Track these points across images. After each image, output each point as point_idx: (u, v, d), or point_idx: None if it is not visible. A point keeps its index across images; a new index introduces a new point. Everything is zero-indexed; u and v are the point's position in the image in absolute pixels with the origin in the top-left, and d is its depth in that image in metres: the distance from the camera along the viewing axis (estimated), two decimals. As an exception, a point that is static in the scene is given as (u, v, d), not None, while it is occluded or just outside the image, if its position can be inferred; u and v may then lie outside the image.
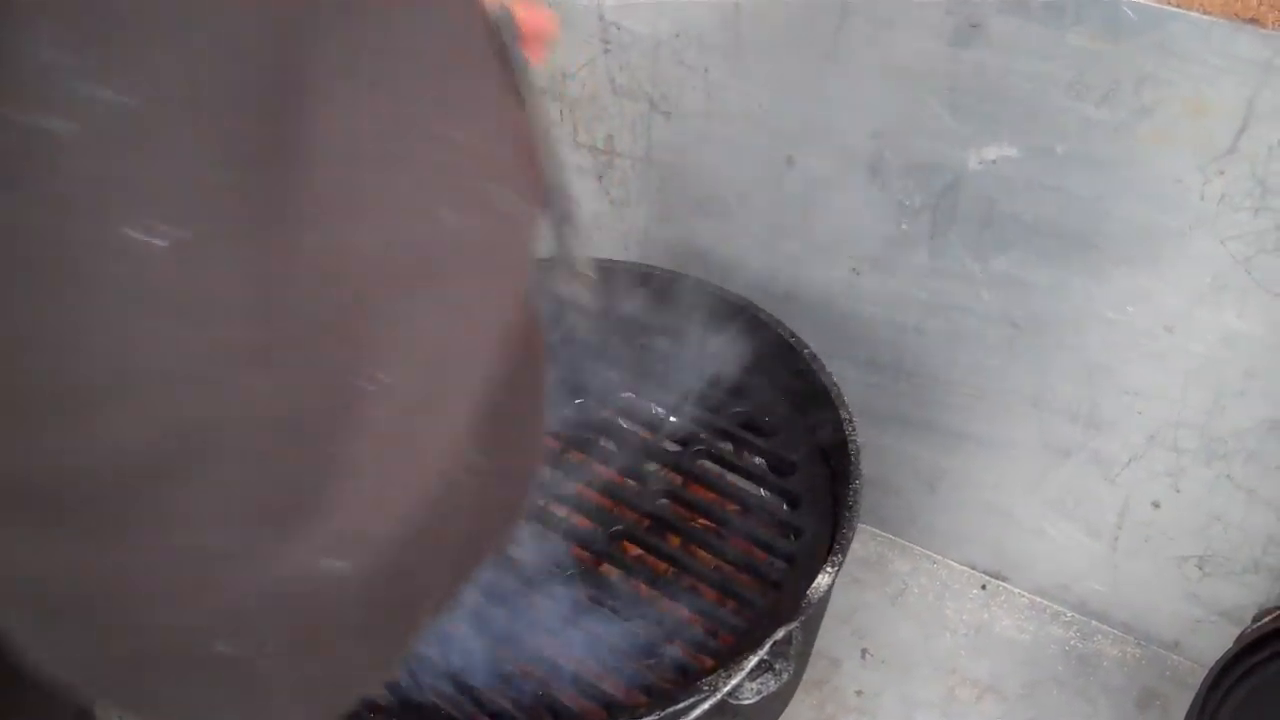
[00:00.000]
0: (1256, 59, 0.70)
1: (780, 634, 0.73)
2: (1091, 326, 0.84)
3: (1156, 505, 0.88)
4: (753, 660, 0.72)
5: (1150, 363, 0.83)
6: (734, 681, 0.72)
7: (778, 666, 0.73)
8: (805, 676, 0.91)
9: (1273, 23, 0.70)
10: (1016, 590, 0.98)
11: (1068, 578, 0.96)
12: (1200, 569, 0.89)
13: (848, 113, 0.86)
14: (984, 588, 0.99)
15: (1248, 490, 0.84)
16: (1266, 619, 0.81)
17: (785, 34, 0.86)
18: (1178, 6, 0.71)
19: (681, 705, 0.71)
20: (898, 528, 1.02)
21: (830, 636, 0.94)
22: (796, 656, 0.74)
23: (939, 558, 1.01)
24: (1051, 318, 0.85)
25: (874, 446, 0.93)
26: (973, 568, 1.00)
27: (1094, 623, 0.96)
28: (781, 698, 0.83)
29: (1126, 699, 0.91)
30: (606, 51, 0.94)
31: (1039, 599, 0.98)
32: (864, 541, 1.01)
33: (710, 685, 0.72)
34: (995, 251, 0.85)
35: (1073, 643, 0.95)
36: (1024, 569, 0.98)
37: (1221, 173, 0.74)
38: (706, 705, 0.71)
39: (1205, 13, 0.71)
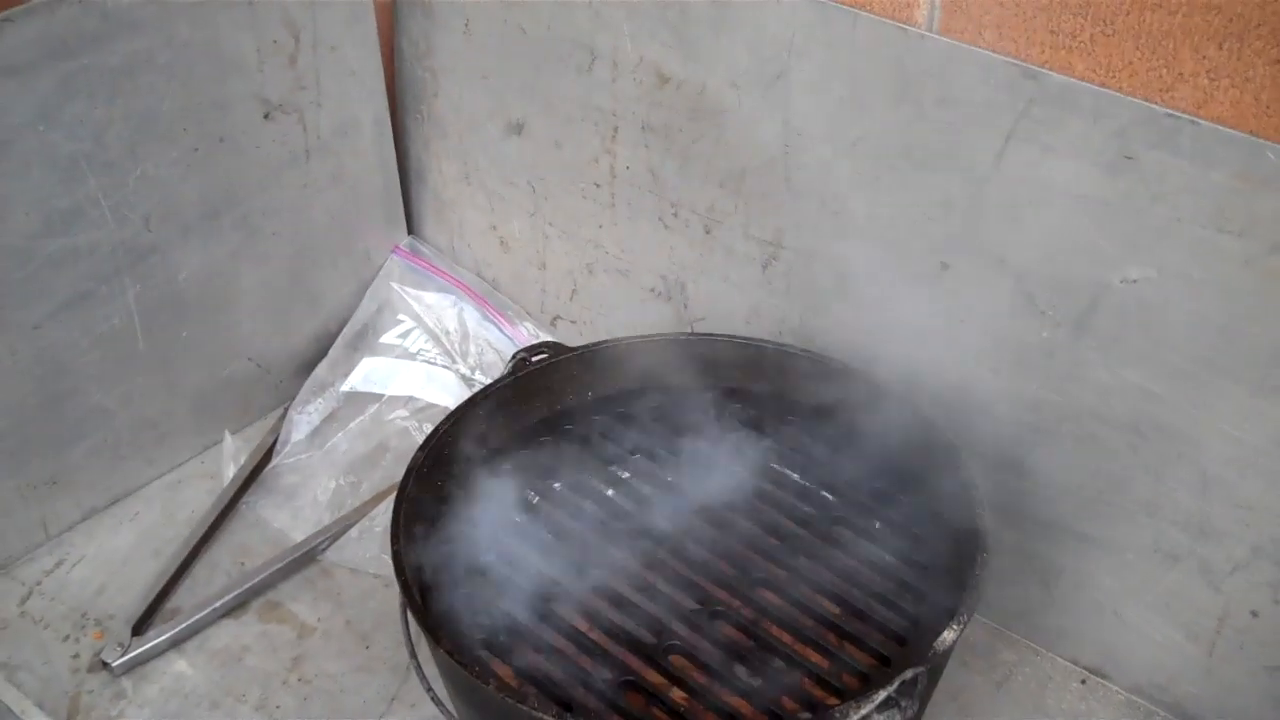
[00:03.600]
0: (1383, 207, 0.79)
1: (909, 674, 0.81)
2: (1212, 440, 0.92)
3: (1255, 614, 0.95)
4: (882, 695, 0.80)
5: (1263, 478, 0.91)
6: (863, 711, 0.80)
7: (904, 704, 0.81)
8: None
9: (1402, 176, 0.79)
10: (1115, 688, 1.05)
11: (1165, 678, 1.02)
12: (1292, 679, 0.95)
13: (1003, 226, 0.95)
14: (1084, 682, 1.05)
15: (1344, 606, 0.91)
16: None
17: (953, 152, 0.96)
18: (1316, 155, 0.81)
19: (815, 728, 0.79)
20: (1008, 620, 1.09)
21: (937, 710, 1.01)
22: (919, 698, 0.82)
23: (1044, 651, 1.08)
24: (1174, 429, 0.93)
25: (996, 541, 1.00)
26: (1075, 663, 1.07)
27: (1186, 724, 1.02)
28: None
29: (1212, 797, 0.97)
30: (787, 154, 1.05)
31: (1135, 697, 1.04)
32: (975, 630, 1.08)
33: (842, 713, 0.80)
34: (1128, 364, 0.93)
35: (1165, 740, 1.01)
36: (1124, 667, 1.04)
37: (1345, 307, 0.83)
38: (837, 730, 0.79)
39: (1340, 163, 0.80)
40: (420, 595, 0.91)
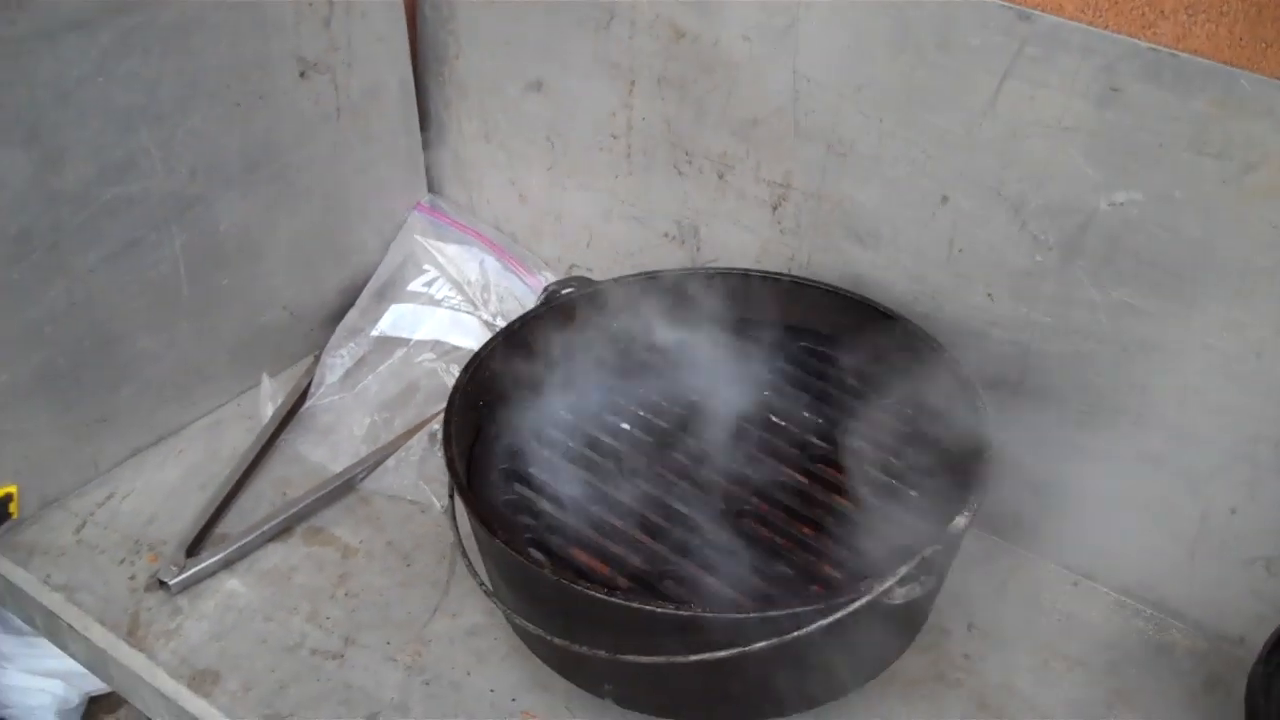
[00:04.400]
0: (1346, 125, 0.88)
1: (928, 551, 0.89)
2: (1191, 352, 1.01)
3: (1233, 511, 1.04)
4: (904, 570, 0.89)
5: (1237, 384, 1.00)
6: (888, 583, 0.88)
7: (923, 579, 0.89)
8: (918, 641, 1.07)
9: (1362, 97, 0.88)
10: (1104, 589, 1.14)
11: (1151, 577, 1.11)
12: (1267, 570, 1.04)
13: (998, 160, 1.04)
14: (1076, 585, 1.14)
15: (1314, 497, 1.00)
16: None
17: (952, 92, 1.05)
18: (1285, 80, 0.90)
19: (846, 598, 0.88)
20: (1005, 530, 1.17)
21: (942, 611, 1.09)
22: (936, 576, 0.91)
23: (1038, 558, 1.16)
24: (1157, 343, 1.02)
25: (995, 456, 1.08)
26: (1067, 567, 1.15)
27: (1169, 619, 1.11)
28: (911, 615, 1.00)
29: (1195, 681, 1.06)
30: (796, 100, 1.14)
31: (1124, 597, 1.13)
32: (975, 541, 1.16)
33: (867, 587, 0.88)
34: (1115, 283, 1.02)
35: (1150, 634, 1.10)
36: (1113, 569, 1.13)
37: (1312, 219, 0.92)
38: (866, 599, 0.88)
39: (1307, 87, 0.90)
40: (468, 499, 0.99)
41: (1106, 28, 0.96)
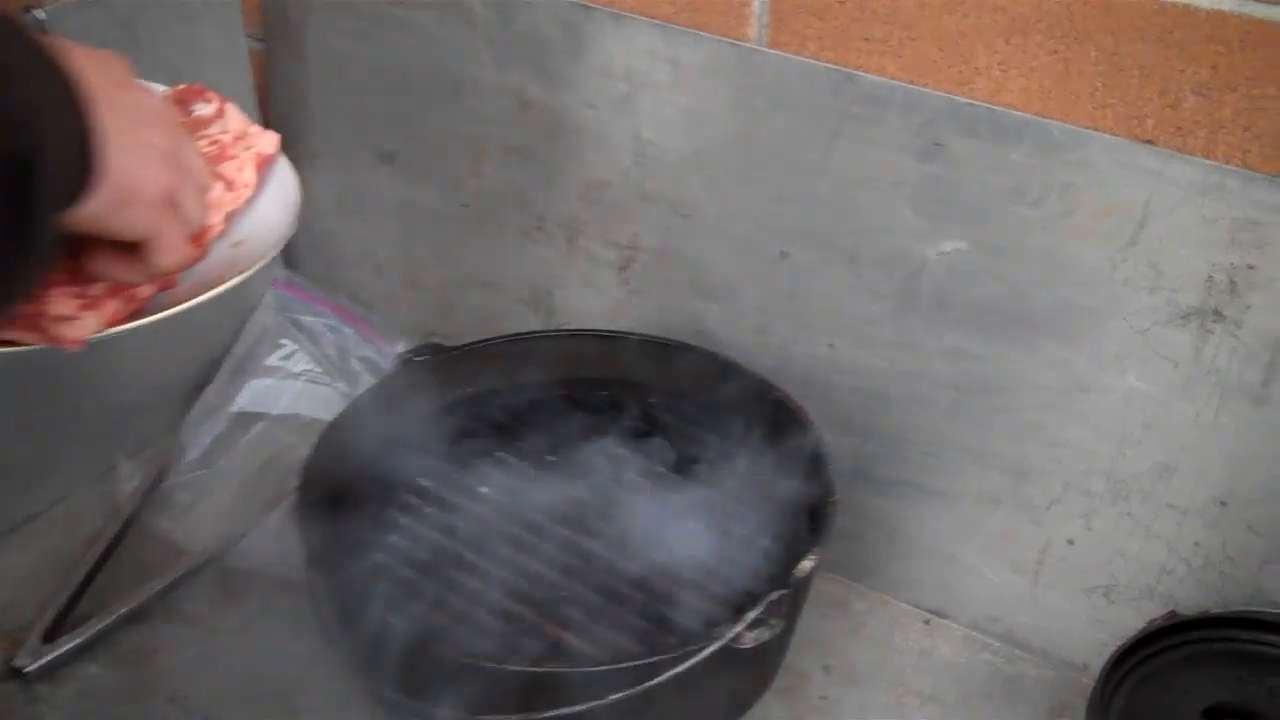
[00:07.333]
0: (1151, 170, 0.93)
1: (774, 595, 0.92)
2: (1023, 391, 1.05)
3: (1071, 543, 1.08)
4: (752, 614, 0.91)
5: (1070, 419, 1.04)
6: (737, 628, 0.90)
7: (771, 622, 0.92)
8: (776, 685, 1.09)
9: (1163, 143, 0.93)
10: (955, 625, 1.17)
11: (998, 611, 1.15)
12: (1106, 598, 1.08)
13: (833, 214, 1.08)
14: (927, 622, 1.18)
15: (1145, 525, 1.04)
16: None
17: (787, 151, 1.09)
18: (1093, 129, 0.95)
19: (695, 646, 0.90)
20: (858, 574, 1.20)
21: (799, 654, 1.12)
22: (785, 619, 0.93)
23: (890, 599, 1.20)
24: (991, 384, 1.07)
25: (843, 502, 1.10)
26: (918, 606, 1.19)
27: (1017, 650, 1.15)
28: (765, 659, 1.02)
29: (1043, 709, 1.10)
30: (639, 164, 1.17)
31: (973, 632, 1.16)
32: (830, 585, 1.19)
33: (718, 633, 0.91)
34: (947, 328, 1.07)
35: (999, 665, 1.14)
36: (962, 606, 1.16)
37: (1125, 260, 0.97)
38: (716, 646, 0.90)
39: (1114, 134, 0.95)
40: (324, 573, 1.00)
41: (926, 85, 1.01)
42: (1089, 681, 1.03)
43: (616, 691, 0.89)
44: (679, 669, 0.89)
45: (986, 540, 1.12)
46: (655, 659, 0.90)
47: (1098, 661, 1.02)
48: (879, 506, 1.16)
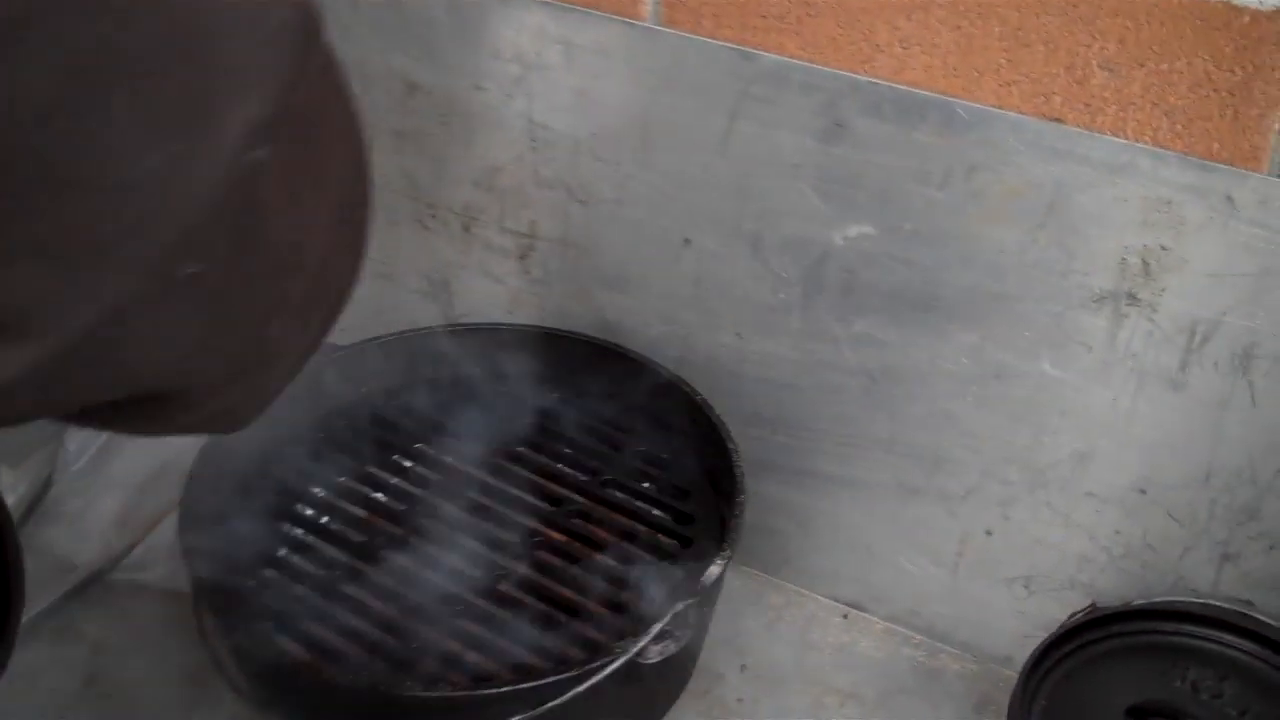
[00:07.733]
0: (1059, 149, 0.89)
1: (679, 607, 0.88)
2: (935, 378, 1.02)
3: (989, 533, 1.05)
4: (657, 628, 0.87)
5: (983, 407, 1.01)
6: (641, 643, 0.86)
7: (678, 634, 0.88)
8: (690, 687, 1.05)
9: (1071, 120, 0.89)
10: (873, 618, 1.14)
11: (917, 603, 1.11)
12: (1026, 588, 1.05)
13: (735, 199, 1.04)
14: (845, 617, 1.14)
15: (1064, 514, 1.01)
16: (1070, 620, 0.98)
17: (685, 134, 1.04)
18: (998, 108, 0.91)
19: (598, 662, 0.86)
20: (774, 568, 1.17)
21: (714, 654, 1.08)
22: (692, 629, 0.89)
23: (807, 592, 1.16)
24: (902, 371, 1.03)
25: (755, 494, 1.07)
26: (836, 599, 1.15)
27: (938, 644, 1.11)
28: (677, 666, 0.98)
29: (967, 704, 1.07)
30: (533, 149, 1.12)
31: (893, 625, 1.13)
32: (745, 581, 1.16)
33: (622, 648, 0.86)
34: (856, 315, 1.02)
35: (920, 660, 1.10)
36: (880, 598, 1.13)
37: (1036, 243, 0.93)
38: (620, 662, 0.86)
39: (1020, 113, 0.90)
40: (211, 589, 0.94)
41: (827, 64, 0.96)
42: (1012, 674, 1.00)
43: (517, 713, 0.85)
44: (581, 688, 0.85)
45: (903, 531, 1.09)
46: (556, 678, 0.85)
47: (1021, 654, 1.00)
48: (792, 498, 1.13)
